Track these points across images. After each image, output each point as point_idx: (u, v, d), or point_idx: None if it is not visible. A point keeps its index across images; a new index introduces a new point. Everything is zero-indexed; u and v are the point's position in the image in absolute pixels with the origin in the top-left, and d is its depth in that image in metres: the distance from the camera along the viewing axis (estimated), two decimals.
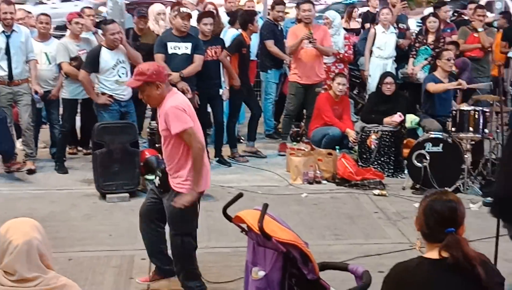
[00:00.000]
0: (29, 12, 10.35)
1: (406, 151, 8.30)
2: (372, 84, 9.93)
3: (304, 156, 8.37)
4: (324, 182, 8.25)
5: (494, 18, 12.75)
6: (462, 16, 12.76)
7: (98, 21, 9.56)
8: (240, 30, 9.26)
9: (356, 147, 8.94)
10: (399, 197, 7.71)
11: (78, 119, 9.15)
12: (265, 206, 3.65)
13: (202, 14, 8.86)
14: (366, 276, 3.55)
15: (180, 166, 4.74)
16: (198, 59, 8.27)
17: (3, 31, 8.13)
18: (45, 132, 9.29)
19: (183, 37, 8.21)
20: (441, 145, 7.82)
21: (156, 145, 8.37)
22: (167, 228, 5.03)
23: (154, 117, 9.41)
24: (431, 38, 10.10)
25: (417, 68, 10.04)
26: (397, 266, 2.95)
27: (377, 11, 11.31)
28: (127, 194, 7.46)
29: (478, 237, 5.91)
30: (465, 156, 7.77)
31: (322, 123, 9.13)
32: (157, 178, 5.00)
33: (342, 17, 11.26)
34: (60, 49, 8.49)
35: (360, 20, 12.50)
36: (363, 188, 7.94)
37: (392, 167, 8.55)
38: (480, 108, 7.93)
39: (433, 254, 2.86)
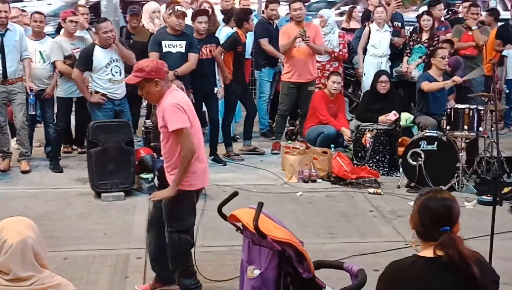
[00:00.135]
0: (23, 11, 10.33)
1: (401, 150, 8.32)
2: (366, 82, 9.94)
3: (299, 154, 8.37)
4: (319, 180, 8.25)
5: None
6: (457, 14, 12.78)
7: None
8: (235, 29, 9.26)
9: (351, 146, 8.95)
10: (394, 196, 7.71)
11: (72, 117, 9.14)
12: (260, 204, 3.65)
13: (197, 12, 8.85)
14: (361, 274, 3.54)
15: (179, 162, 4.75)
16: (193, 57, 8.27)
17: None
18: (39, 131, 9.28)
19: (178, 36, 8.21)
20: (435, 143, 7.83)
21: (151, 143, 8.39)
22: None
23: (149, 116, 9.43)
24: (425, 36, 10.12)
25: (411, 66, 10.05)
26: (392, 265, 2.95)
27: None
28: (122, 193, 7.45)
29: (473, 235, 5.92)
30: (460, 154, 7.79)
31: (317, 122, 9.14)
32: (156, 178, 5.02)
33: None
34: (54, 47, 8.46)
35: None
36: (358, 187, 7.95)
37: (387, 166, 8.56)
38: (475, 106, 7.95)
39: (428, 252, 2.86)
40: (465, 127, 7.78)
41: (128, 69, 8.11)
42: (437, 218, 2.87)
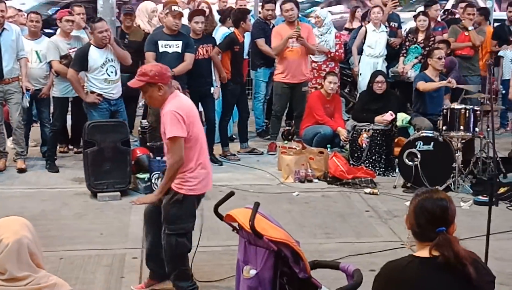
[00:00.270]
0: (20, 10, 10.32)
1: (397, 150, 8.32)
2: (363, 82, 9.94)
3: (295, 154, 8.37)
4: (316, 180, 8.26)
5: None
6: (453, 14, 12.80)
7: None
8: (231, 29, 9.26)
9: (348, 146, 8.95)
10: (390, 196, 7.72)
11: (69, 117, 9.13)
12: (257, 204, 3.65)
13: (193, 12, 8.86)
14: (357, 274, 3.55)
15: (182, 166, 4.75)
16: (189, 57, 8.27)
17: None
18: (35, 131, 9.27)
19: (174, 36, 8.22)
20: (432, 143, 7.84)
21: (148, 143, 8.38)
22: None
23: (145, 116, 9.42)
24: (421, 36, 10.13)
25: (407, 66, 10.06)
26: (388, 265, 2.95)
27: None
28: (118, 193, 7.44)
29: (469, 236, 5.93)
30: (456, 154, 7.80)
31: (313, 122, 9.15)
32: (159, 180, 5.05)
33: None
34: (50, 47, 8.45)
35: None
36: (355, 187, 7.96)
37: (383, 166, 8.57)
38: (471, 106, 7.96)
39: (424, 252, 2.87)
40: (461, 127, 7.79)
41: (123, 69, 8.14)
42: (433, 219, 2.88)
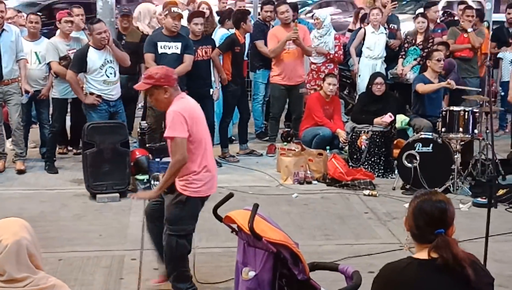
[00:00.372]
0: (19, 11, 10.32)
1: (396, 152, 8.33)
2: (362, 84, 9.95)
3: (294, 156, 8.37)
4: (315, 182, 8.26)
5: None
6: (453, 16, 12.80)
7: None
8: (231, 30, 9.26)
9: (347, 148, 8.95)
10: (389, 198, 7.72)
11: (68, 118, 9.12)
12: (256, 206, 3.65)
13: (193, 13, 8.85)
14: (356, 276, 3.55)
15: (186, 169, 4.77)
16: (188, 59, 8.26)
17: None
18: (35, 132, 9.26)
19: (173, 37, 8.21)
20: (431, 145, 7.84)
21: (147, 145, 8.38)
22: None
23: (144, 117, 9.41)
24: (419, 38, 10.13)
25: (406, 68, 10.06)
26: (386, 267, 2.95)
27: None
28: (117, 194, 7.44)
29: (468, 238, 5.94)
30: (455, 156, 7.80)
31: (312, 123, 9.15)
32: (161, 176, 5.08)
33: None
34: (49, 48, 8.45)
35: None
36: (354, 189, 7.95)
37: (382, 168, 8.57)
38: (470, 108, 7.97)
39: (423, 254, 2.87)
40: (460, 129, 7.80)
41: (122, 70, 8.14)
42: (431, 220, 2.88)
